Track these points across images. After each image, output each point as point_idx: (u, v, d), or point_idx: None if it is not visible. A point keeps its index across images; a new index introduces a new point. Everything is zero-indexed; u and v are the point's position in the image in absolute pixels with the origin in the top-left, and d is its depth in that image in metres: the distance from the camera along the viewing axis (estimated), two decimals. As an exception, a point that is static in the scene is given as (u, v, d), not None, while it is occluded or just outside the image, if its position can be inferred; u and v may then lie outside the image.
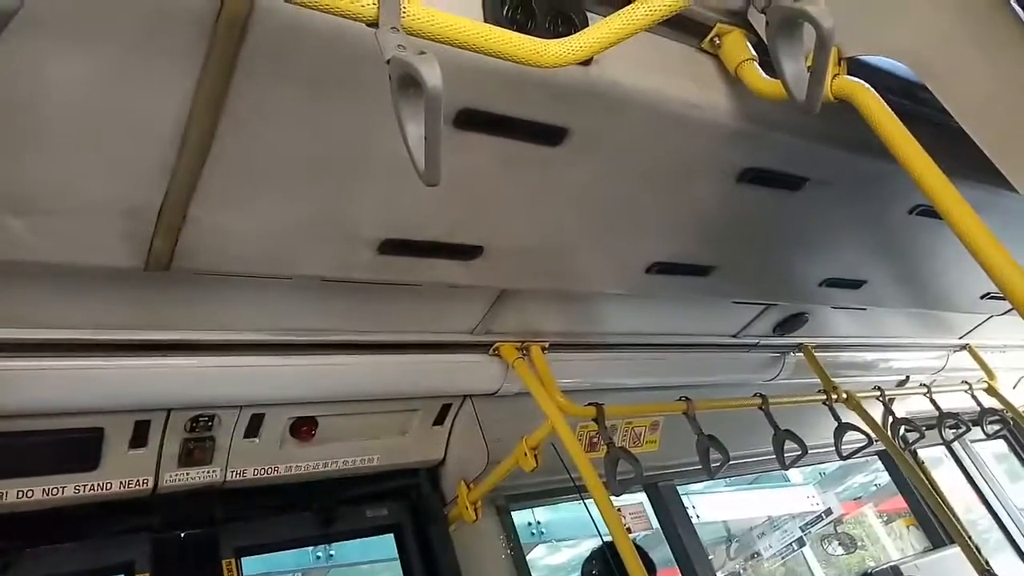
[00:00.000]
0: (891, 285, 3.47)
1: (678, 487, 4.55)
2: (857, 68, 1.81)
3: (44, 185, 1.56)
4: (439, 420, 3.33)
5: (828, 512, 9.30)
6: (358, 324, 2.67)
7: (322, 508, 3.15)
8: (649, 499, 4.57)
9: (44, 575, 2.63)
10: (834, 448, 4.10)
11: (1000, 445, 6.48)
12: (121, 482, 2.63)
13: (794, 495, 9.36)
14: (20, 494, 2.46)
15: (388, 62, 1.14)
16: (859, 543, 9.91)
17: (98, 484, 2.59)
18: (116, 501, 2.66)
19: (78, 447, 2.51)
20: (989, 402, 5.14)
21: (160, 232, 1.74)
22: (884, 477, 7.50)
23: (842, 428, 4.06)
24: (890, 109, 1.63)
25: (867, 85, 1.67)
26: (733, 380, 4.04)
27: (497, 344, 3.05)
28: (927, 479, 5.00)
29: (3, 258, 1.70)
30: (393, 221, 2.01)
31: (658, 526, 4.59)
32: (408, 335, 2.85)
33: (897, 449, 4.35)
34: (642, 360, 3.59)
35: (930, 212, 2.58)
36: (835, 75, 1.71)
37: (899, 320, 4.51)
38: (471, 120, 1.72)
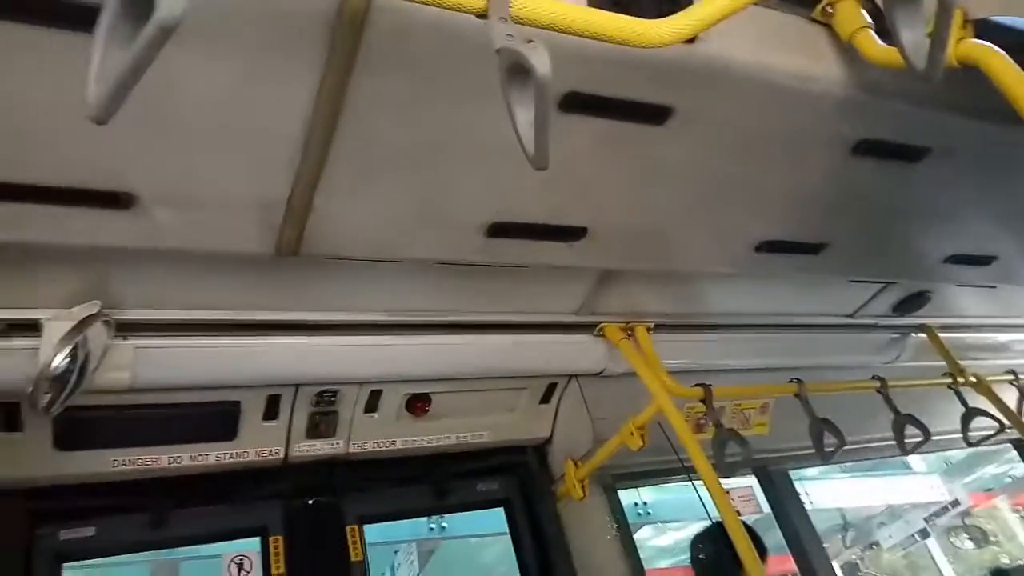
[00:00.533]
0: (1026, 261, 3.23)
1: (790, 472, 4.43)
2: (985, 29, 1.70)
3: (190, 181, 1.73)
4: (545, 399, 3.40)
5: (955, 503, 8.77)
6: (468, 305, 2.77)
7: (436, 481, 3.29)
8: (760, 482, 4.48)
9: (192, 533, 2.93)
10: (961, 435, 3.87)
11: None
12: (256, 451, 2.87)
13: (917, 484, 8.87)
14: (171, 459, 2.73)
15: (498, 51, 1.17)
16: (991, 537, 9.29)
17: (236, 452, 2.83)
18: (252, 469, 2.90)
19: (219, 418, 2.75)
20: None
21: (289, 221, 1.87)
22: (1020, 468, 6.99)
23: (970, 413, 3.82)
24: None
25: (996, 48, 1.58)
26: (849, 362, 3.87)
27: (602, 325, 3.07)
28: (1070, 470, 4.63)
29: (155, 246, 1.89)
30: (501, 205, 2.08)
31: (769, 510, 4.50)
32: (514, 315, 2.92)
33: (1034, 437, 4.06)
34: (751, 341, 3.51)
35: (1072, 181, 2.40)
36: (960, 39, 1.62)
37: (1036, 298, 4.19)
38: (576, 103, 1.74)
